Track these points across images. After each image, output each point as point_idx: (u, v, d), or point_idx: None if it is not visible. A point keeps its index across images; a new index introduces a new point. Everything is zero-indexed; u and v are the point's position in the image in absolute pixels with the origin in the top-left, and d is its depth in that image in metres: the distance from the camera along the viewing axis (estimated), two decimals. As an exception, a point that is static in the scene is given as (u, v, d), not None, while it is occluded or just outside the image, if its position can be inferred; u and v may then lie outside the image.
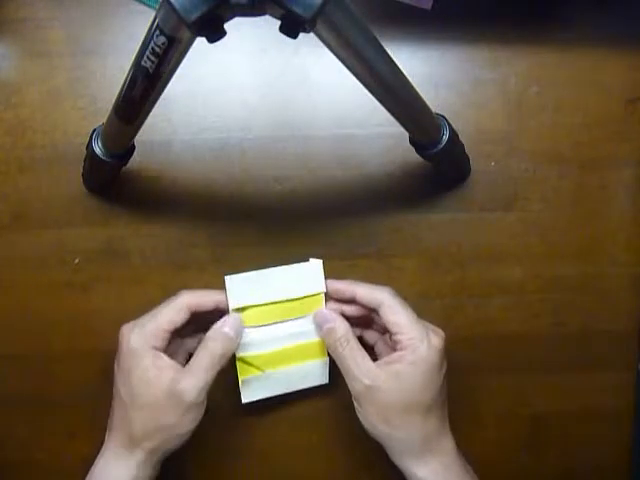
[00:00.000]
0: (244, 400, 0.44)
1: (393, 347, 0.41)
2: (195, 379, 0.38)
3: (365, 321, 0.45)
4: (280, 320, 0.43)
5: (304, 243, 0.48)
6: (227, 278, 0.42)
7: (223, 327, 0.41)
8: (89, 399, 0.47)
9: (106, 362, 0.47)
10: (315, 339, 0.44)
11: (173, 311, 0.40)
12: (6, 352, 0.47)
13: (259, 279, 0.42)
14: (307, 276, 0.43)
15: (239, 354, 0.43)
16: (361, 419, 0.40)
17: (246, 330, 0.42)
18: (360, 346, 0.41)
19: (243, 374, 0.44)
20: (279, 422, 0.48)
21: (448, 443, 0.41)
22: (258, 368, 0.44)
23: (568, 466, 0.50)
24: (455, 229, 0.49)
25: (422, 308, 0.47)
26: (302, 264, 0.43)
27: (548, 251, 0.49)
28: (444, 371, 0.40)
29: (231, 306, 0.42)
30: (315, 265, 0.43)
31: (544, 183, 0.49)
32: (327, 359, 0.45)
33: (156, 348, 0.39)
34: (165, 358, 0.39)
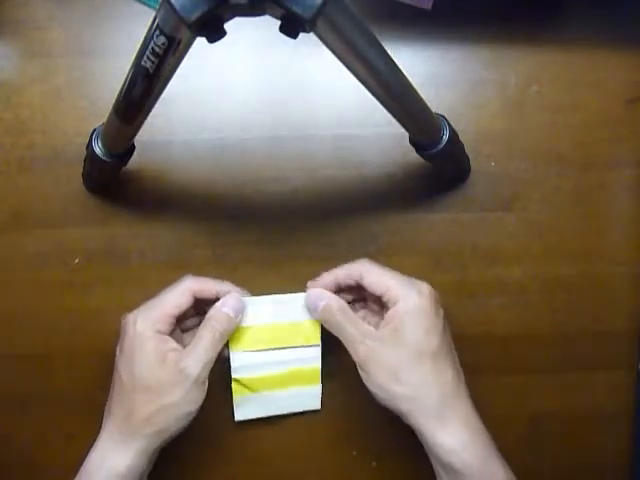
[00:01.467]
0: (237, 418, 0.46)
1: (386, 310, 0.41)
2: (198, 356, 0.39)
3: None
4: (278, 346, 0.44)
5: (304, 243, 0.48)
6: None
7: (223, 307, 0.41)
8: (89, 399, 0.47)
9: (106, 362, 0.47)
10: (310, 366, 0.45)
11: (178, 295, 0.41)
12: (6, 352, 0.47)
13: (261, 303, 0.44)
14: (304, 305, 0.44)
15: (235, 375, 0.44)
16: (370, 386, 0.40)
17: (244, 353, 0.44)
18: (355, 315, 0.41)
19: (238, 393, 0.45)
20: (274, 426, 0.48)
21: (466, 400, 0.40)
22: (252, 390, 0.45)
23: (568, 466, 0.50)
24: (455, 229, 0.49)
25: (422, 308, 0.48)
26: (302, 294, 0.43)
27: (548, 251, 0.49)
28: (442, 316, 0.40)
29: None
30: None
31: (544, 183, 0.49)
32: (320, 386, 0.46)
33: (161, 332, 0.40)
34: (170, 341, 0.40)
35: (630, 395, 0.50)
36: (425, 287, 0.40)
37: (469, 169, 0.48)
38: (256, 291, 0.44)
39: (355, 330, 0.40)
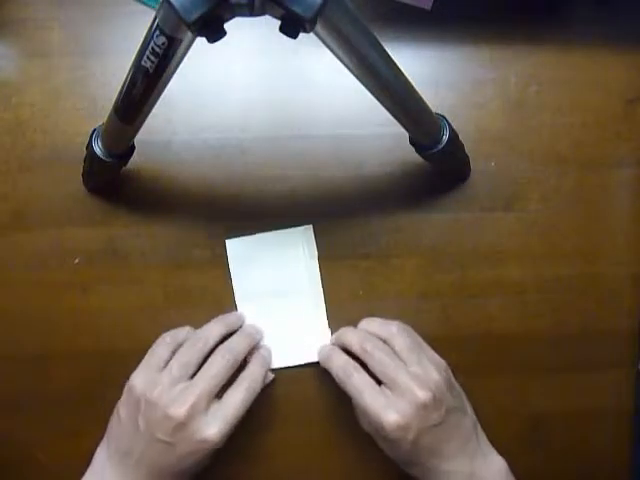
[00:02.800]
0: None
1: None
2: (225, 422, 0.40)
3: None
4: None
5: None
6: (228, 242, 0.47)
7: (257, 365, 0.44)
8: (89, 399, 0.47)
9: (106, 362, 0.47)
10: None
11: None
12: (6, 352, 0.47)
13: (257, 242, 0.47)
14: (300, 240, 0.47)
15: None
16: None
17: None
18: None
19: None
20: (274, 426, 0.48)
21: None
22: None
23: (568, 466, 0.50)
24: (455, 229, 0.49)
25: (422, 308, 0.48)
26: (294, 228, 0.47)
27: (548, 251, 0.49)
28: (411, 438, 0.39)
29: (232, 268, 0.47)
30: (307, 230, 0.47)
31: (544, 183, 0.49)
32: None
33: None
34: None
35: (630, 395, 0.50)
36: (392, 419, 0.39)
37: (469, 169, 0.48)
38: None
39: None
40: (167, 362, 0.42)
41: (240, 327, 0.46)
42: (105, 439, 0.42)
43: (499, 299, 0.49)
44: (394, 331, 0.44)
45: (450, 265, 0.49)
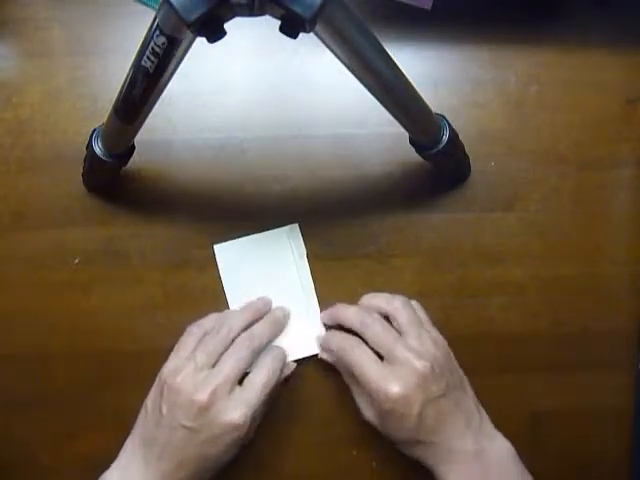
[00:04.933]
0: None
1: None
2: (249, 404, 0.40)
3: None
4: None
5: (304, 243, 0.48)
6: (216, 247, 0.47)
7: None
8: (89, 399, 0.47)
9: (106, 362, 0.47)
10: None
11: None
12: (6, 352, 0.47)
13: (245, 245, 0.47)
14: (287, 239, 0.47)
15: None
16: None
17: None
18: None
19: None
20: (274, 426, 0.48)
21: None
22: None
23: (568, 465, 0.50)
24: (455, 229, 0.49)
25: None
26: (281, 228, 0.47)
27: (548, 251, 0.49)
28: (416, 410, 0.39)
29: (222, 272, 0.47)
30: (293, 229, 0.48)
31: (544, 183, 0.49)
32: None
33: None
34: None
35: (630, 395, 0.50)
36: (395, 390, 0.39)
37: (469, 169, 0.48)
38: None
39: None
40: (194, 351, 0.42)
41: (266, 313, 0.46)
42: (132, 433, 0.42)
43: (499, 299, 0.49)
44: (397, 305, 0.43)
45: (450, 265, 0.49)
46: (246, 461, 0.48)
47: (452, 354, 0.44)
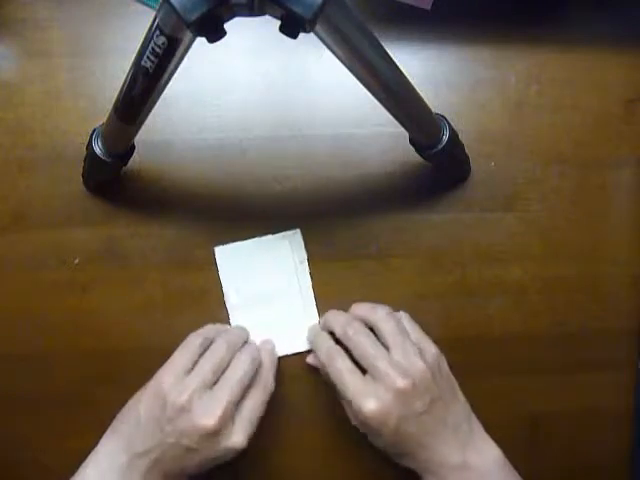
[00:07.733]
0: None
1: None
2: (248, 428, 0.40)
3: None
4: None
5: (304, 243, 0.48)
6: (217, 249, 0.47)
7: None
8: (89, 399, 0.47)
9: (106, 362, 0.47)
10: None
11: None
12: (6, 352, 0.47)
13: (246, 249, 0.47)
14: (288, 244, 0.47)
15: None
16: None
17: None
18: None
19: None
20: (274, 426, 0.48)
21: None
22: None
23: (568, 466, 0.50)
24: (455, 229, 0.49)
25: (422, 308, 0.48)
26: (282, 233, 0.47)
27: (548, 251, 0.49)
28: (392, 426, 0.39)
29: (222, 275, 0.47)
30: (295, 234, 0.48)
31: (544, 183, 0.49)
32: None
33: None
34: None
35: (630, 395, 0.50)
36: (370, 405, 0.39)
37: (469, 169, 0.48)
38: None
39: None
40: (195, 363, 0.41)
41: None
42: (115, 435, 0.41)
43: (499, 299, 0.49)
44: (380, 316, 0.43)
45: (450, 265, 0.49)
46: (245, 461, 0.48)
47: (444, 363, 0.43)
